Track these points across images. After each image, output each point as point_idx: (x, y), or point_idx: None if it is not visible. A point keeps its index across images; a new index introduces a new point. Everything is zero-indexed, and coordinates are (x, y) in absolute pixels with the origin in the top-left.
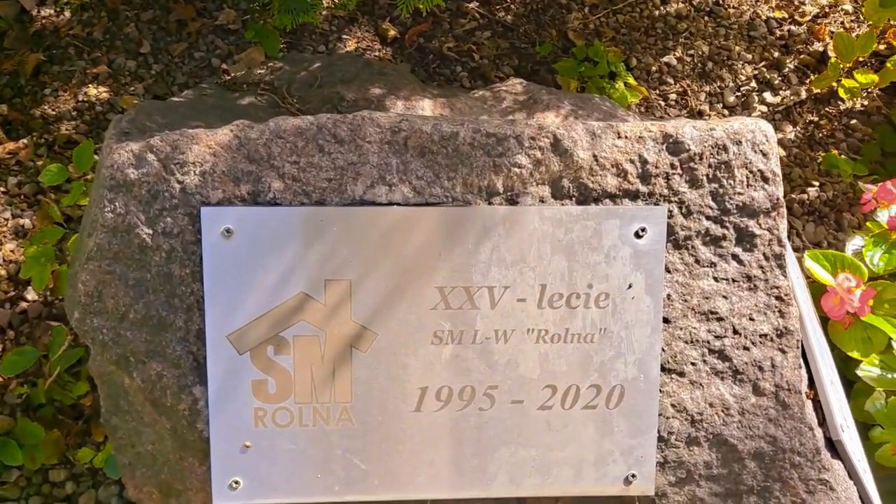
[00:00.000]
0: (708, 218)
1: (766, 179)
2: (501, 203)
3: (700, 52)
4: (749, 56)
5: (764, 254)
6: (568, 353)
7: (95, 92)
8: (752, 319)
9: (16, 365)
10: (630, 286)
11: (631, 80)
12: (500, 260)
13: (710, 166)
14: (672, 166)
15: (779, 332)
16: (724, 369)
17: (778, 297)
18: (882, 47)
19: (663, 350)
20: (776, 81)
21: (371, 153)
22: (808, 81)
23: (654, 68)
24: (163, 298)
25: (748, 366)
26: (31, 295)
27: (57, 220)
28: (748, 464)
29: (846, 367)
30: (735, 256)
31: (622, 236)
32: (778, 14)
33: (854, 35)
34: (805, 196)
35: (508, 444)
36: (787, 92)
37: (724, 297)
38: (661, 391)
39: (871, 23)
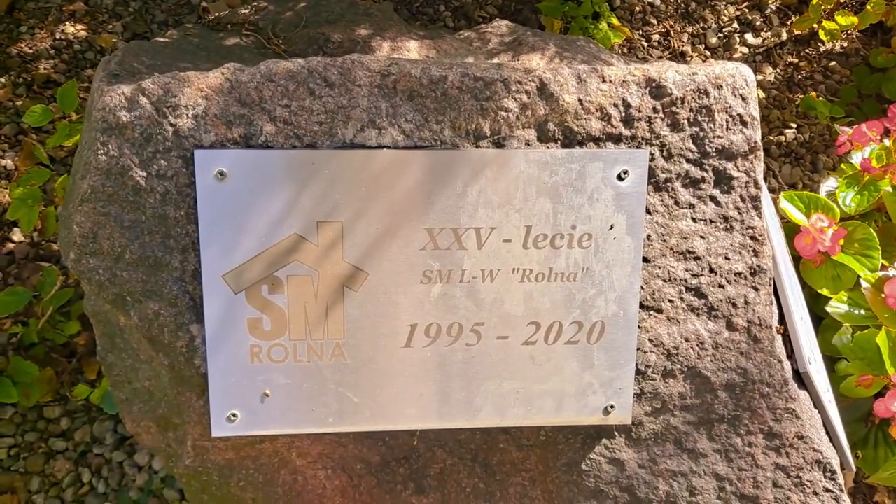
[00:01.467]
0: (688, 161)
1: (744, 123)
2: (488, 146)
3: None
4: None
5: (741, 195)
6: (551, 292)
7: (73, 30)
8: (727, 259)
9: (8, 305)
10: (612, 227)
11: (614, 21)
12: (487, 202)
13: (691, 110)
14: (654, 110)
15: (752, 270)
16: (699, 306)
17: (753, 238)
18: None
19: (642, 288)
20: (758, 23)
21: (361, 97)
22: (789, 23)
23: (637, 9)
24: (158, 239)
25: (723, 303)
26: (17, 236)
27: (43, 161)
28: (720, 394)
29: (815, 304)
30: (713, 198)
31: (605, 179)
32: None
33: None
34: (782, 138)
35: (494, 378)
36: (769, 33)
37: (702, 237)
38: (639, 327)
39: None
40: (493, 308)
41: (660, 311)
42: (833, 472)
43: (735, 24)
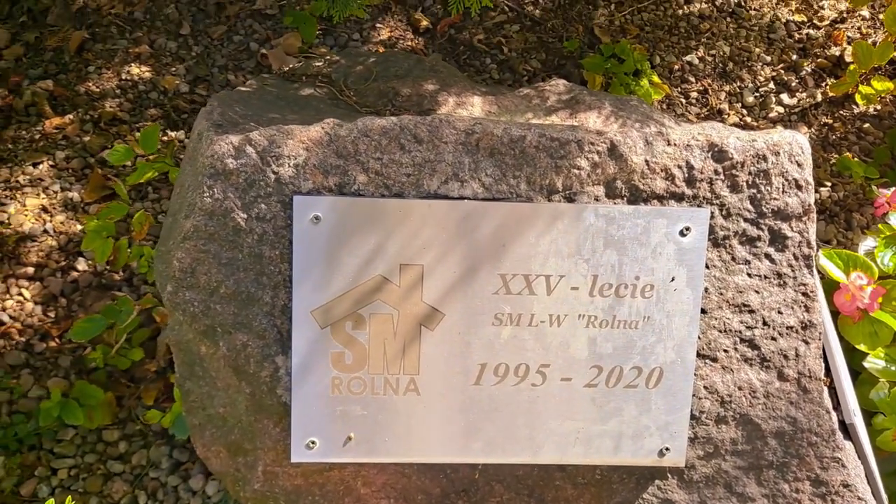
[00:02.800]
0: (745, 220)
1: (799, 187)
2: (560, 200)
3: (721, 53)
4: (768, 58)
5: (794, 254)
6: (614, 338)
7: (138, 71)
8: (780, 313)
9: (87, 331)
10: (673, 279)
11: (655, 78)
12: (558, 251)
13: (750, 174)
14: (716, 172)
15: (804, 324)
16: (753, 356)
17: (804, 294)
18: None
19: (699, 337)
20: (793, 83)
21: (447, 152)
22: (824, 85)
23: (676, 67)
24: (252, 276)
25: (775, 354)
26: (81, 265)
27: (122, 197)
28: (770, 441)
29: (853, 359)
30: (768, 255)
31: (668, 234)
32: (797, 17)
33: (872, 43)
34: (817, 195)
35: (556, 418)
36: (804, 94)
37: (756, 291)
38: (695, 374)
39: (889, 32)
40: (558, 351)
41: (715, 359)
42: None
43: (771, 85)
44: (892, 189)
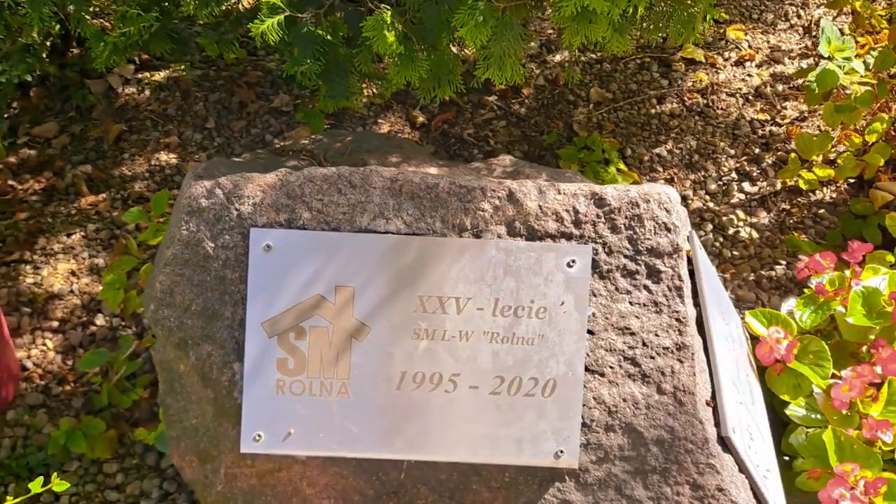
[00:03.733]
0: (625, 256)
1: (668, 230)
2: (469, 236)
3: (688, 146)
4: (732, 151)
5: (668, 286)
6: (514, 352)
7: (166, 158)
8: (657, 335)
9: (92, 362)
10: (562, 303)
11: (622, 166)
12: (465, 278)
13: (626, 217)
14: (598, 216)
15: (678, 346)
16: (635, 373)
17: (678, 319)
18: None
19: (588, 355)
20: (755, 174)
21: (375, 195)
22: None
23: (646, 157)
24: (217, 295)
25: (654, 371)
26: (99, 321)
27: (133, 251)
28: (652, 448)
29: (780, 409)
30: (646, 287)
31: (557, 265)
32: (761, 116)
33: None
34: (773, 272)
35: (467, 421)
36: (764, 183)
37: (637, 317)
38: (585, 387)
39: (827, 124)
40: (467, 362)
41: (602, 374)
42: None
43: (734, 174)
44: (810, 256)
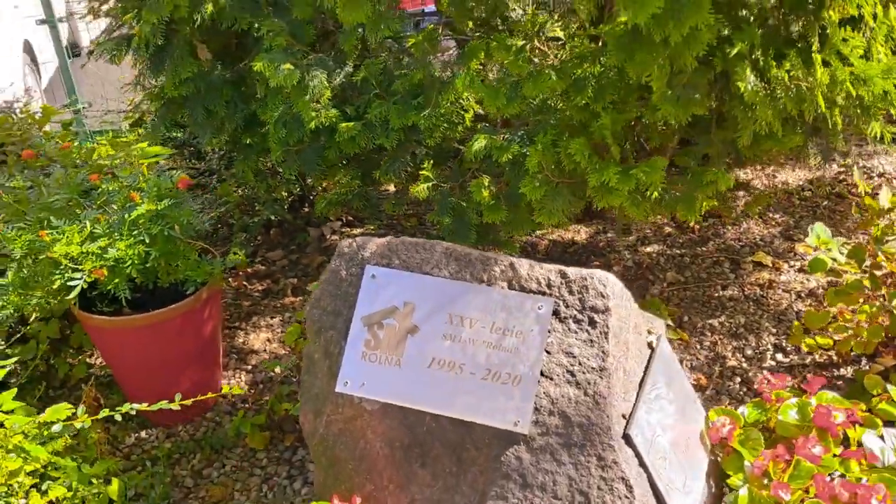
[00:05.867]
0: (576, 309)
1: (603, 296)
2: (484, 285)
3: (737, 321)
4: (774, 330)
5: (600, 331)
6: (499, 356)
7: None
8: (588, 360)
9: (271, 365)
10: (532, 330)
11: (670, 322)
12: (478, 307)
13: (579, 286)
14: (561, 283)
15: (601, 368)
16: (572, 380)
17: (602, 352)
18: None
19: (544, 365)
20: (789, 349)
21: (436, 255)
22: (816, 354)
23: (699, 325)
24: (341, 302)
25: (583, 381)
26: (277, 370)
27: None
28: (576, 429)
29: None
30: (587, 330)
31: (532, 307)
32: (808, 308)
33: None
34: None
35: (466, 394)
36: (796, 357)
37: (578, 347)
38: (539, 384)
39: (829, 303)
40: (471, 358)
41: (551, 378)
42: (630, 487)
43: (770, 347)
44: (777, 375)
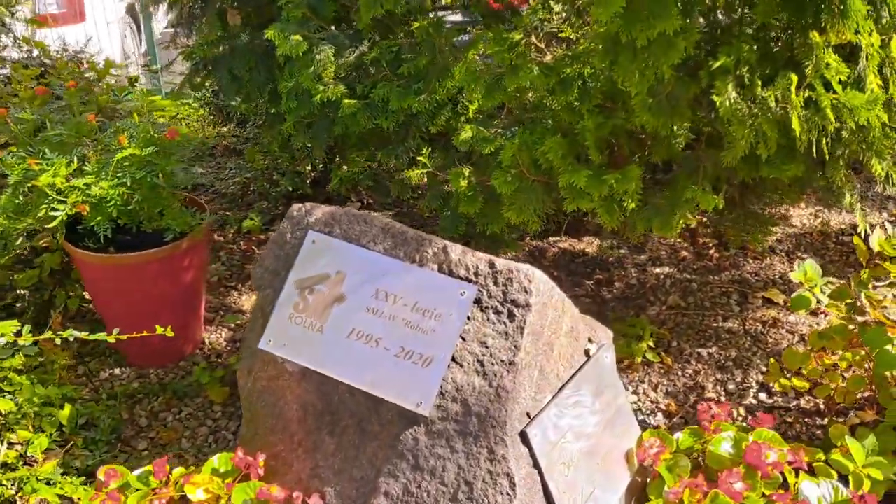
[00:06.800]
0: (498, 301)
1: (527, 292)
2: (416, 265)
3: (728, 354)
4: (764, 369)
5: (517, 325)
6: (416, 335)
7: None
8: (500, 351)
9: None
10: (451, 315)
11: (651, 344)
12: (405, 285)
13: (505, 278)
14: (489, 273)
15: (510, 362)
16: (480, 370)
17: (515, 346)
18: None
19: (456, 350)
20: (774, 390)
21: (374, 229)
22: (801, 397)
23: (686, 351)
24: (282, 263)
25: (490, 372)
26: None
27: None
28: (474, 419)
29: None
30: (504, 322)
31: (455, 293)
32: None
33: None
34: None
35: (379, 367)
36: (780, 398)
37: (493, 338)
38: (448, 369)
39: (811, 345)
40: (389, 333)
41: (461, 365)
42: (514, 484)
43: (755, 385)
44: (717, 404)
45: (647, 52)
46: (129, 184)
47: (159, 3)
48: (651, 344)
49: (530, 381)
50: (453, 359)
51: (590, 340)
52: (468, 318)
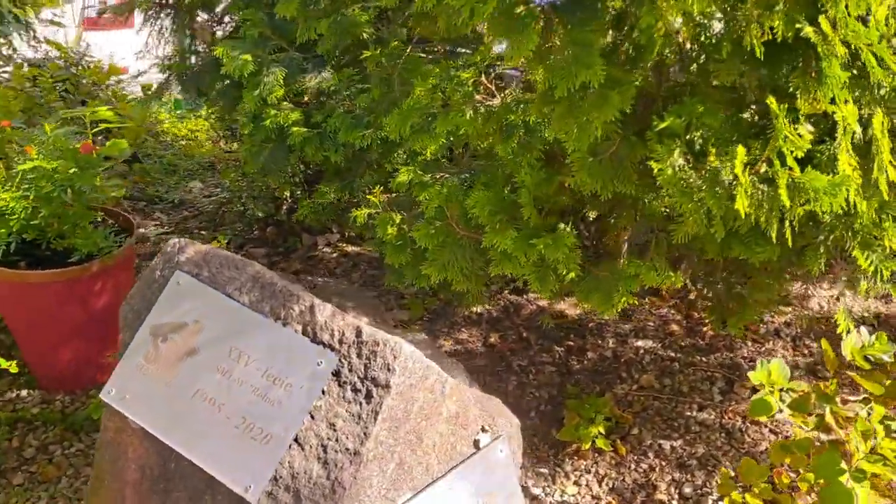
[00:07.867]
0: (358, 377)
1: (389, 370)
2: (280, 323)
3: (694, 451)
4: (732, 473)
5: (372, 409)
6: (261, 406)
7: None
8: (347, 438)
9: None
10: (302, 387)
11: (602, 430)
12: (260, 347)
13: (369, 350)
14: (353, 343)
15: (355, 451)
16: (322, 456)
17: (365, 434)
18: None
19: (301, 430)
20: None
21: (244, 277)
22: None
23: (647, 441)
24: (146, 303)
25: (332, 461)
26: None
27: None
28: None
29: None
30: (360, 403)
31: (312, 361)
32: (788, 460)
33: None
34: None
35: (217, 438)
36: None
37: (344, 420)
38: (288, 450)
39: (770, 460)
40: (234, 399)
41: (303, 447)
42: None
43: (716, 494)
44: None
45: (582, 106)
46: (30, 197)
47: (133, 10)
48: (602, 430)
49: (381, 475)
50: (296, 439)
51: (483, 430)
52: (323, 392)
